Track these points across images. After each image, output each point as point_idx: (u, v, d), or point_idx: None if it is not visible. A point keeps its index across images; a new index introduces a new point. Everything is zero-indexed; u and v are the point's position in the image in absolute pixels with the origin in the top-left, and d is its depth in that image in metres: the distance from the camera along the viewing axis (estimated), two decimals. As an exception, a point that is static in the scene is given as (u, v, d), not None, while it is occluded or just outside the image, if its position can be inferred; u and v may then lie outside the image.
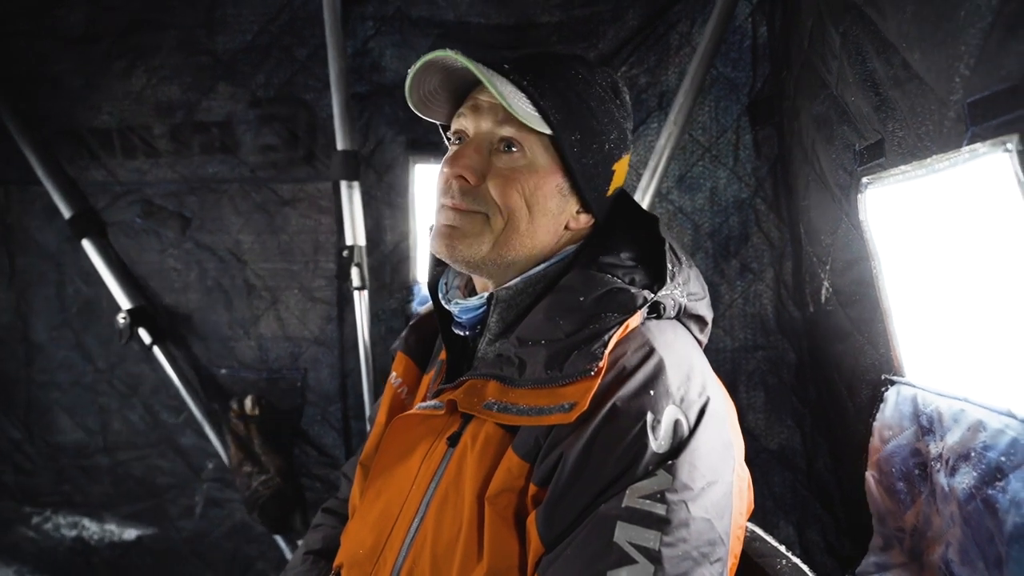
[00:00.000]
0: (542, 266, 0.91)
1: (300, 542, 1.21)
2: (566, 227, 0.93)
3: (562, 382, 0.78)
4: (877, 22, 1.08)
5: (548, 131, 0.85)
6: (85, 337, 2.32)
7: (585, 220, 0.94)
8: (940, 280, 1.04)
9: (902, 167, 1.05)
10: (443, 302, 0.99)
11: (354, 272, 2.07)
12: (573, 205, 0.92)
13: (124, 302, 2.21)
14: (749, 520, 1.15)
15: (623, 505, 0.71)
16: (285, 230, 2.19)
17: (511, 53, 1.98)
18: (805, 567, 1.01)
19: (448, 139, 0.96)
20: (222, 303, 2.24)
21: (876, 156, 1.15)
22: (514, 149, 0.87)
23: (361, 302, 2.09)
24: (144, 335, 2.20)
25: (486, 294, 0.92)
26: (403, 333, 1.16)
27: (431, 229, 0.93)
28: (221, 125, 2.15)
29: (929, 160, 0.97)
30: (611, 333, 0.79)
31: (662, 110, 1.98)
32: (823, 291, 1.54)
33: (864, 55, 1.15)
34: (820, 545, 1.94)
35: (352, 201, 2.06)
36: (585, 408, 0.75)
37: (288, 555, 2.27)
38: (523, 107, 0.83)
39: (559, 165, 0.89)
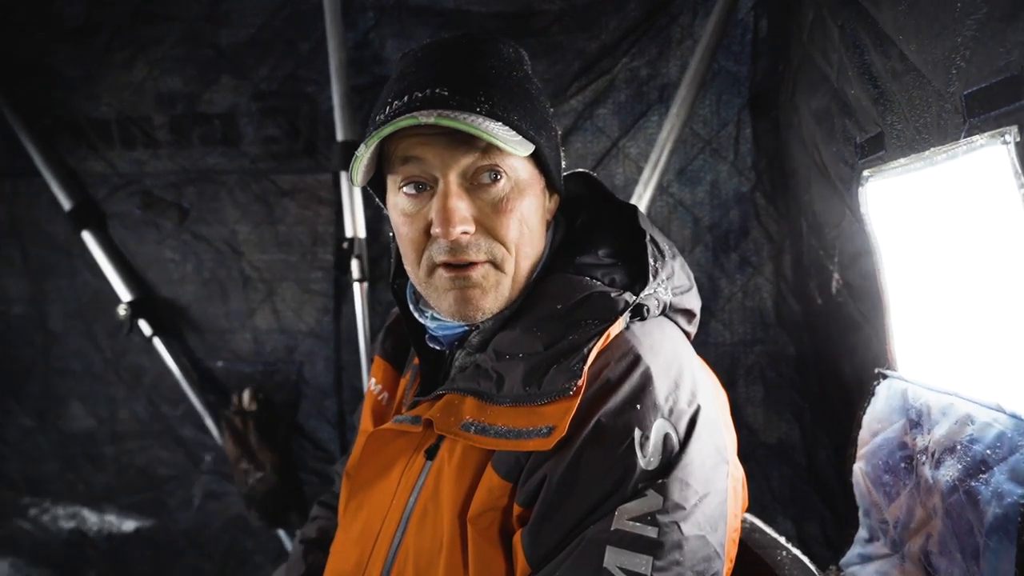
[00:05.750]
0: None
1: (298, 531, 1.22)
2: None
3: (540, 400, 0.74)
4: (874, 15, 1.07)
5: (532, 148, 0.79)
6: (95, 326, 2.33)
7: (555, 202, 0.92)
8: (936, 273, 1.03)
9: (901, 160, 1.04)
10: (415, 313, 0.92)
11: (354, 264, 2.07)
12: (547, 196, 0.90)
13: (124, 294, 2.21)
14: (748, 512, 1.15)
15: (612, 528, 0.69)
16: (284, 221, 2.18)
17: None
18: (805, 558, 1.00)
19: (401, 188, 0.81)
20: (218, 295, 2.24)
21: (876, 149, 1.14)
22: (499, 177, 0.79)
23: (361, 294, 2.09)
24: (145, 327, 2.21)
25: None
26: (379, 336, 1.12)
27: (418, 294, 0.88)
28: (223, 117, 2.15)
29: (927, 153, 0.96)
30: (591, 345, 0.75)
31: (663, 103, 1.97)
32: (833, 283, 1.52)
33: (862, 48, 1.14)
34: (819, 539, 1.93)
35: (352, 192, 2.06)
36: (564, 434, 0.71)
37: (288, 546, 2.28)
38: (505, 134, 0.75)
39: (537, 170, 0.85)
